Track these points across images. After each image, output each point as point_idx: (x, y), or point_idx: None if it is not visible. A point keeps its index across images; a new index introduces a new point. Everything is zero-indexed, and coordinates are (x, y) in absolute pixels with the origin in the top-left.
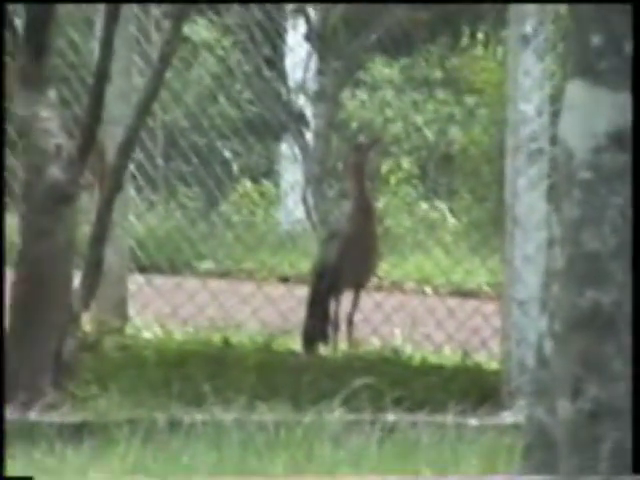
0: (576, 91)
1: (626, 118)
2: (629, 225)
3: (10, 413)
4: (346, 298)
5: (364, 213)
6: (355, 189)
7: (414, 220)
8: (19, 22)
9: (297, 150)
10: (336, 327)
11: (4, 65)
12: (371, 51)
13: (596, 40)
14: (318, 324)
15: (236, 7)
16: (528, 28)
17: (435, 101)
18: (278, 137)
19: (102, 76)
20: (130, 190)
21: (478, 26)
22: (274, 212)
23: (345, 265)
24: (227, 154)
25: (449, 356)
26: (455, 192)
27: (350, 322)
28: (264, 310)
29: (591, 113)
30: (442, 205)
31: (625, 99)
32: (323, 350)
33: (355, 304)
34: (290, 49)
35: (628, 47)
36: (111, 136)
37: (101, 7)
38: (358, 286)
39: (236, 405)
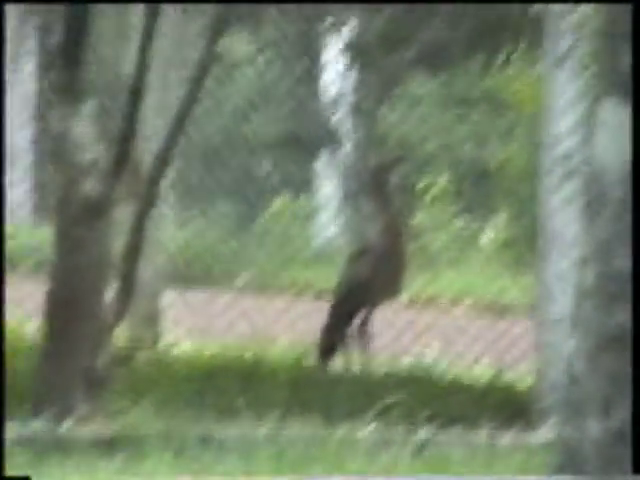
0: (609, 110)
1: None
2: None
3: (42, 425)
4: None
5: (391, 231)
6: (380, 208)
7: (449, 237)
8: (55, 35)
9: (334, 165)
10: (366, 342)
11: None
12: (409, 66)
13: (628, 59)
14: (336, 337)
15: (274, 19)
16: (563, 47)
17: (473, 118)
18: (315, 152)
19: (138, 89)
20: (165, 204)
21: (516, 44)
22: (309, 227)
23: (373, 281)
24: (263, 169)
25: (482, 373)
26: (491, 209)
27: (365, 335)
28: (297, 325)
29: (624, 132)
30: (477, 222)
31: None
32: (338, 363)
33: (368, 317)
34: (328, 63)
35: None
36: (147, 150)
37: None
38: (383, 302)
39: (268, 419)
